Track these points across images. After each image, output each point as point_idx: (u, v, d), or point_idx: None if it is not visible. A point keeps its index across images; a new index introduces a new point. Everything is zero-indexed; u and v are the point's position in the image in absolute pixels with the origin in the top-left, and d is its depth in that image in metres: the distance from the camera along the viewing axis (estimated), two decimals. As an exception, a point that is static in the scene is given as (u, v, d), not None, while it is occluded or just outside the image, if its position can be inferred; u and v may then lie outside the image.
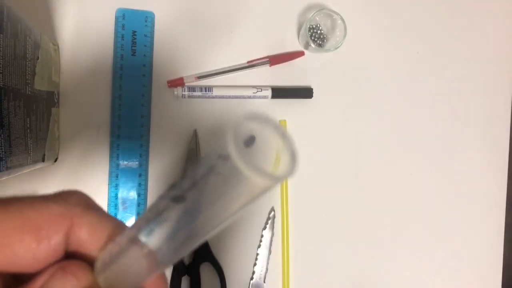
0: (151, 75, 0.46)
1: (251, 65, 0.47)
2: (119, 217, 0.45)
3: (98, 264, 0.16)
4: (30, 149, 0.34)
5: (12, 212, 0.16)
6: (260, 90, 0.47)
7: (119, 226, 0.17)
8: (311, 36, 0.48)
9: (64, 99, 0.44)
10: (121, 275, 0.16)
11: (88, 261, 0.17)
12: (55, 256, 0.16)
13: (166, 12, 0.46)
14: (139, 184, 0.45)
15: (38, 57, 0.36)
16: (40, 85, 0.37)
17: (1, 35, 0.28)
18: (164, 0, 0.46)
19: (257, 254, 0.48)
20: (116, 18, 0.45)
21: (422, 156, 0.52)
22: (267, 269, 0.48)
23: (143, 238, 0.15)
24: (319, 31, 0.48)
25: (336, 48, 0.46)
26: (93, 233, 0.17)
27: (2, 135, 0.28)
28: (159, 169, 0.46)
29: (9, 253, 0.15)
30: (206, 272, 0.46)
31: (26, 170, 0.34)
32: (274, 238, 0.48)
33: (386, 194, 0.51)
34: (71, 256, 0.17)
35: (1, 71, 0.28)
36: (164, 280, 0.18)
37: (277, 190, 0.48)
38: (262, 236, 0.48)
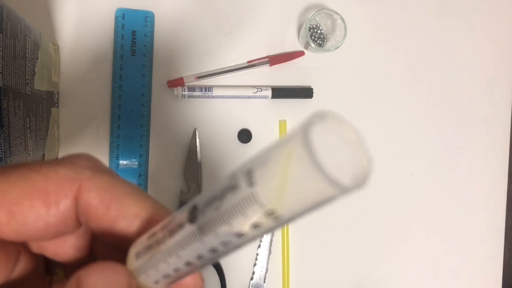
0: (151, 75, 0.46)
1: (251, 65, 0.47)
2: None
3: (133, 260, 0.15)
4: (30, 149, 0.34)
5: (19, 179, 0.15)
6: (260, 90, 0.46)
7: (132, 189, 0.16)
8: (311, 36, 0.48)
9: (63, 99, 0.44)
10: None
11: (97, 229, 0.16)
12: (66, 223, 0.16)
13: (166, 12, 0.46)
14: (139, 185, 0.45)
15: (37, 57, 0.36)
16: (39, 85, 0.37)
17: (1, 35, 0.28)
18: (164, 0, 0.46)
19: (257, 254, 0.48)
20: (116, 18, 0.45)
21: (422, 157, 0.52)
22: (267, 269, 0.48)
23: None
24: (319, 31, 0.48)
25: (336, 48, 0.46)
26: (102, 197, 0.15)
27: (1, 135, 0.28)
28: (159, 169, 0.46)
29: (21, 221, 0.15)
30: (206, 272, 0.46)
31: (25, 170, 0.34)
32: (274, 238, 0.48)
33: (386, 194, 0.51)
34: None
35: (0, 71, 0.28)
36: (200, 275, 0.17)
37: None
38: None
